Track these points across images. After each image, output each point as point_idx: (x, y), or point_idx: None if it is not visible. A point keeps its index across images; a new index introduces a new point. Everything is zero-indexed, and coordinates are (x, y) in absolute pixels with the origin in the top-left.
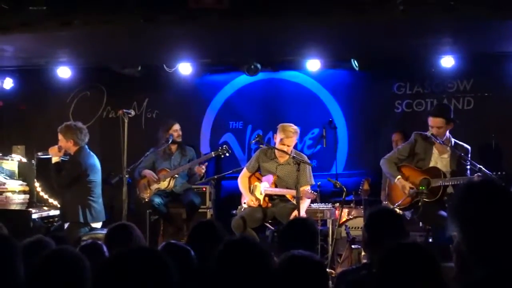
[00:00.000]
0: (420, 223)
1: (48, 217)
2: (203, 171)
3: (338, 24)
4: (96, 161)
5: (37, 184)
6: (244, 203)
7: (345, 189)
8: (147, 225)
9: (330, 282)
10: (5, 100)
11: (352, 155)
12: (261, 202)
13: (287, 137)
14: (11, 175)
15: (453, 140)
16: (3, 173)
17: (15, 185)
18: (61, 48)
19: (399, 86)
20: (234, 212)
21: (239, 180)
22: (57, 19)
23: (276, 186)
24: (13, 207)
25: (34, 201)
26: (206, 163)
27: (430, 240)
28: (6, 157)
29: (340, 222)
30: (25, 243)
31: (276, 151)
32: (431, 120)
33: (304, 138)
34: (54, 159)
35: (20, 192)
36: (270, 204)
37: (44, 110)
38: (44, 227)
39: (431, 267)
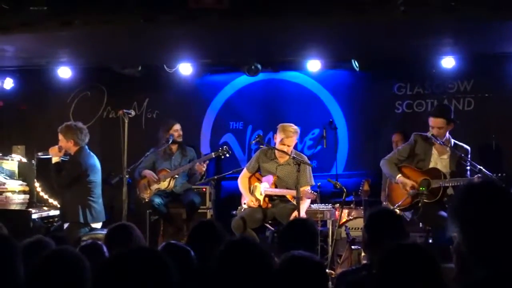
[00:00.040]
0: (420, 224)
1: (48, 217)
2: (204, 169)
3: (338, 24)
4: (96, 161)
5: (37, 184)
6: (244, 203)
7: (345, 189)
8: (147, 225)
9: (330, 282)
10: (5, 100)
11: (352, 155)
12: (261, 203)
13: (287, 137)
14: (11, 175)
15: (452, 140)
16: (3, 173)
17: (15, 185)
18: (62, 48)
19: (399, 86)
20: (234, 212)
21: (239, 181)
22: (58, 19)
23: (276, 187)
24: (13, 207)
25: (34, 201)
26: (207, 161)
27: (430, 241)
28: (6, 157)
29: (340, 222)
30: (25, 243)
31: (276, 151)
32: (432, 121)
33: (304, 138)
34: (54, 159)
35: (20, 192)
36: (270, 205)
37: (44, 110)
38: (44, 227)
39: (431, 268)
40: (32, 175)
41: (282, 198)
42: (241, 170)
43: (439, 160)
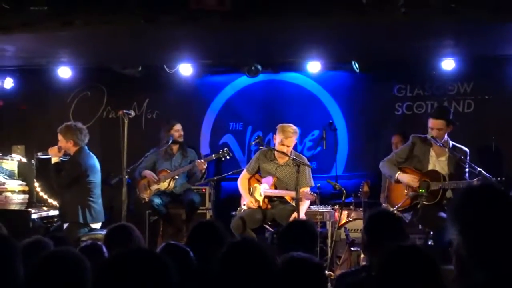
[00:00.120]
0: (420, 225)
1: (48, 217)
2: (205, 166)
3: (338, 25)
4: (95, 162)
5: (36, 184)
6: (244, 205)
7: (344, 191)
8: (147, 225)
9: (329, 284)
10: (5, 100)
11: (352, 157)
12: (261, 204)
13: (286, 138)
14: (10, 175)
15: (451, 142)
16: (2, 173)
17: (15, 185)
18: (62, 48)
19: (399, 88)
20: (233, 213)
21: (239, 182)
22: (58, 19)
23: (275, 188)
24: (13, 207)
25: (34, 201)
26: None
27: (430, 242)
28: (6, 157)
29: (340, 224)
30: (24, 243)
31: (275, 152)
32: (432, 122)
33: (304, 139)
34: (54, 160)
35: (19, 192)
36: (269, 206)
37: (44, 110)
38: (43, 227)
39: (430, 270)
40: (32, 175)
41: (282, 199)
42: (241, 171)
43: (437, 162)
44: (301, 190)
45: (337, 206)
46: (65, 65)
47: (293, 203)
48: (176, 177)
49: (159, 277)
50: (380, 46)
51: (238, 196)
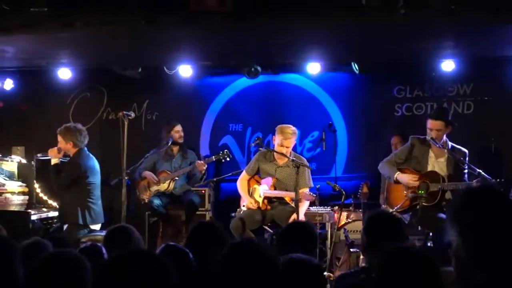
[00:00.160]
0: (419, 227)
1: (47, 218)
2: (205, 167)
3: (338, 26)
4: (95, 163)
5: (36, 186)
6: (243, 206)
7: (344, 192)
8: (146, 227)
9: (329, 285)
10: (5, 101)
11: (351, 158)
12: (260, 205)
13: (285, 139)
14: (10, 176)
15: (450, 143)
16: (2, 174)
17: (15, 186)
18: (62, 49)
19: (399, 89)
20: (233, 214)
21: (238, 183)
22: (58, 20)
23: (275, 189)
24: (13, 208)
25: (34, 202)
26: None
27: (429, 244)
28: (5, 158)
29: (339, 225)
30: (23, 245)
31: (275, 153)
32: (430, 123)
33: (303, 141)
34: (54, 161)
35: (19, 193)
36: (269, 207)
37: (44, 111)
38: (43, 228)
39: (430, 271)
40: (32, 176)
41: (281, 200)
42: (240, 172)
43: (436, 163)
44: (300, 190)
45: (337, 207)
46: (65, 66)
47: (293, 204)
48: (176, 178)
49: (158, 279)
50: (380, 47)
51: (238, 197)
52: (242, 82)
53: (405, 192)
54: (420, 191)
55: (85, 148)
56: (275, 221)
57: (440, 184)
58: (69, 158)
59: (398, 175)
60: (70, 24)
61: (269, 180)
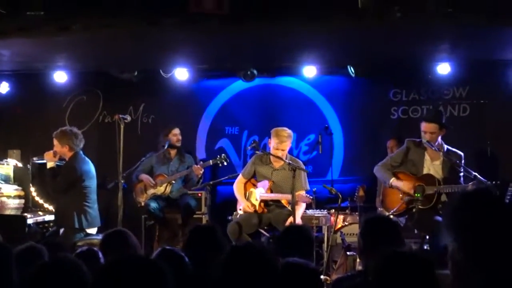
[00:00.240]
0: (415, 230)
1: (44, 222)
2: (201, 171)
3: (338, 30)
4: (91, 167)
5: (32, 189)
6: (240, 209)
7: (340, 195)
8: (143, 230)
9: None
10: (1, 104)
11: (347, 161)
12: (257, 208)
13: (280, 142)
14: (6, 180)
15: (445, 146)
16: None
17: (10, 189)
18: (59, 53)
19: (395, 92)
20: (229, 218)
21: (235, 187)
22: (55, 24)
23: (271, 192)
24: (8, 212)
25: (30, 206)
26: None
27: (426, 247)
28: (1, 162)
29: (336, 228)
30: (17, 250)
31: (271, 156)
32: (424, 126)
33: (300, 144)
34: (49, 164)
35: (15, 197)
36: (265, 210)
37: (40, 115)
38: (39, 232)
39: (426, 274)
40: (28, 180)
41: (278, 203)
42: (237, 176)
43: (431, 166)
44: (296, 193)
45: (333, 210)
46: (62, 69)
47: (290, 207)
48: (173, 181)
49: (154, 283)
50: (377, 50)
51: (234, 200)
52: (238, 85)
53: (401, 195)
54: (416, 194)
55: (81, 152)
56: (271, 224)
57: (436, 187)
58: (65, 162)
59: (393, 181)
60: (66, 28)
61: (266, 183)
